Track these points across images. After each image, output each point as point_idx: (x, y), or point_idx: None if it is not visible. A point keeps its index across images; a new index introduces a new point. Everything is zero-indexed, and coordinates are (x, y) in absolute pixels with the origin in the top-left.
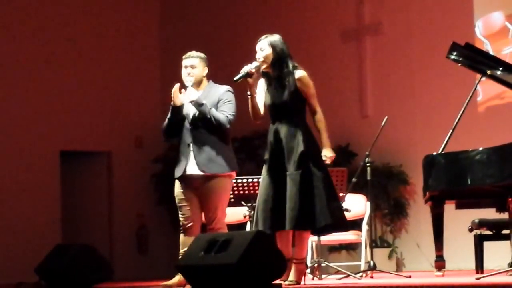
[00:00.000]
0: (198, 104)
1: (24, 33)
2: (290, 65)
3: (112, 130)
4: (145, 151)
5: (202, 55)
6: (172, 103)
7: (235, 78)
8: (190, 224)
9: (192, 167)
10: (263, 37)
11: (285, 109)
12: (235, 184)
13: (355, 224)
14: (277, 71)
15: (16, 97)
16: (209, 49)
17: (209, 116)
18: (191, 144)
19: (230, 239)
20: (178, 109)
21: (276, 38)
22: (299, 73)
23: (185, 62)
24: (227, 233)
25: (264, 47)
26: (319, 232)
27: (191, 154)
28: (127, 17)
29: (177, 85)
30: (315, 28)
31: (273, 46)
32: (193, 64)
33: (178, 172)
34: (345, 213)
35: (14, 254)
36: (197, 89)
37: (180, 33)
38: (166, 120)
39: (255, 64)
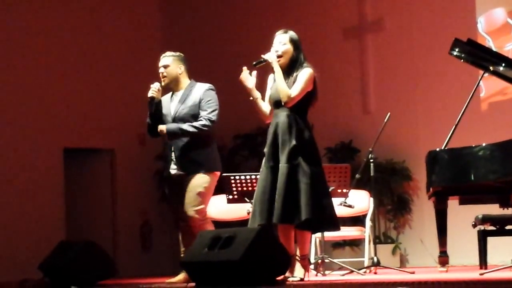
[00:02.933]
0: (170, 134)
1: (26, 31)
2: (303, 64)
3: (115, 127)
4: (148, 148)
5: (176, 53)
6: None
7: (254, 63)
8: (181, 223)
9: (174, 167)
10: (282, 31)
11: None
12: (238, 181)
13: (359, 220)
14: (290, 68)
15: (19, 95)
16: (211, 47)
17: (186, 133)
18: (173, 146)
19: (233, 236)
20: (151, 103)
21: (295, 35)
22: (303, 68)
23: (159, 63)
24: (230, 229)
25: (285, 41)
26: (302, 228)
27: (173, 155)
28: (130, 16)
29: (157, 83)
30: (317, 26)
31: (293, 43)
32: (166, 64)
33: (165, 172)
34: (349, 209)
35: (18, 250)
36: (175, 88)
37: (182, 32)
38: (147, 118)
39: (274, 55)
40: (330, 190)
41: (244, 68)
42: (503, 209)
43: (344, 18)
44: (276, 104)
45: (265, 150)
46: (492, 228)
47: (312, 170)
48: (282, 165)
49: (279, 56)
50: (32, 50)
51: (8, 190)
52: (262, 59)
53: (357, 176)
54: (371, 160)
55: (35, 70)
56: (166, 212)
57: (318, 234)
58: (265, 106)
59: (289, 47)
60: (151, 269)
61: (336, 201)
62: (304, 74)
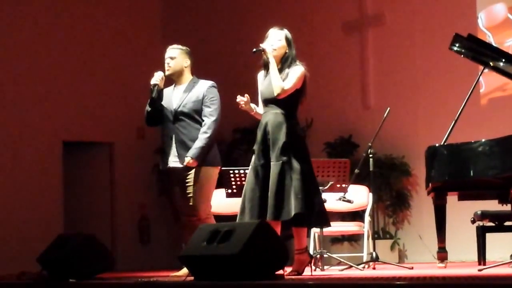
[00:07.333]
0: (199, 157)
1: (25, 24)
2: (295, 62)
3: (114, 121)
4: (147, 142)
5: (183, 47)
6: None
7: (254, 50)
8: (184, 217)
9: (174, 160)
10: (278, 27)
11: (275, 101)
12: (237, 175)
13: (357, 216)
14: (281, 64)
15: (18, 88)
16: (211, 43)
17: (207, 146)
18: (173, 138)
19: (232, 230)
20: (154, 89)
21: (290, 34)
22: (296, 65)
23: (166, 53)
24: (229, 223)
25: (281, 37)
26: (294, 224)
27: (173, 147)
28: (130, 11)
29: (161, 72)
30: (317, 20)
31: (288, 40)
32: (172, 56)
33: (162, 165)
34: (348, 204)
35: (17, 244)
36: (178, 81)
37: (182, 25)
38: (147, 106)
39: (270, 47)
40: (328, 186)
41: (238, 96)
42: (502, 205)
43: (345, 13)
44: (266, 101)
45: (255, 147)
46: (491, 224)
47: (302, 166)
48: (273, 163)
49: (273, 50)
50: (31, 44)
51: (7, 183)
52: (260, 48)
53: (356, 171)
54: (371, 155)
55: (34, 64)
56: (164, 205)
57: (317, 229)
58: (260, 110)
59: (283, 44)
60: (149, 262)
61: (335, 196)
62: (297, 71)
